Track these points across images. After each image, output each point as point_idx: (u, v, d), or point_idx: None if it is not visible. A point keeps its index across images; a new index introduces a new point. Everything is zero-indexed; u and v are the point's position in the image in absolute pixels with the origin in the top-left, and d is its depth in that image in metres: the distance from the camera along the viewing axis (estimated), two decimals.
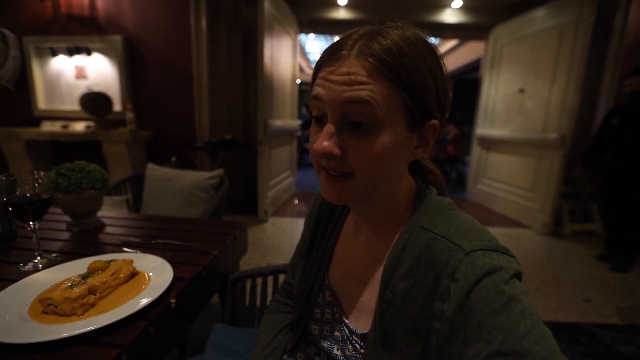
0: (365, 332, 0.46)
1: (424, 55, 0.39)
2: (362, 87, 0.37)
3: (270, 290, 0.94)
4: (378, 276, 0.46)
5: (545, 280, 2.16)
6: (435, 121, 0.42)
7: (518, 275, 0.36)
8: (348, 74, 0.37)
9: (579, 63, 2.70)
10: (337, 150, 0.39)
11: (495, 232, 3.06)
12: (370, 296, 0.47)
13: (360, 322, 0.48)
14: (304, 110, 6.75)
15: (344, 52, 0.39)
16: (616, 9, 2.91)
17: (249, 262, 2.23)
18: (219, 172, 1.62)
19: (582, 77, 2.72)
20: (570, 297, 1.97)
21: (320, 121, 0.42)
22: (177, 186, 1.54)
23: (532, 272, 2.27)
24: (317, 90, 0.40)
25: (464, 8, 3.66)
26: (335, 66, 0.39)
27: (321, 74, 0.40)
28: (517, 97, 3.40)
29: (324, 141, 0.39)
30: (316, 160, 0.42)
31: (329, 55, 0.40)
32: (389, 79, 0.37)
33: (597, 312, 1.82)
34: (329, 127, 0.40)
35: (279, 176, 3.59)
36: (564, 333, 1.62)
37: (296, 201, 3.89)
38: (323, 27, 4.10)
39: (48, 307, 0.53)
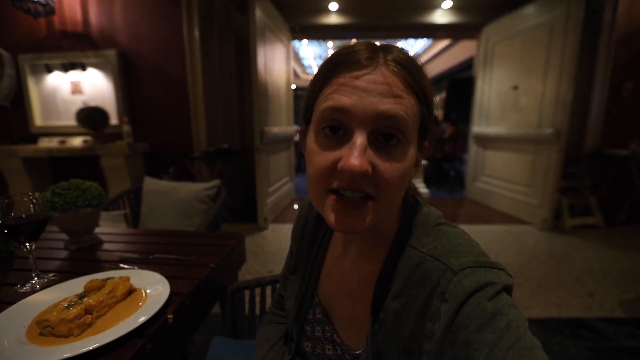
0: (358, 352, 0.46)
1: (428, 78, 0.40)
2: (398, 100, 0.35)
3: (269, 299, 0.95)
4: (369, 293, 0.45)
5: (547, 276, 2.16)
6: (427, 142, 0.43)
7: (507, 289, 0.35)
8: (383, 83, 0.34)
9: (571, 58, 2.71)
10: (370, 169, 0.34)
11: (496, 229, 3.06)
12: (361, 313, 0.46)
13: (352, 340, 0.48)
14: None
15: (363, 59, 0.36)
16: (605, 3, 2.93)
17: (250, 270, 2.23)
18: (215, 182, 1.62)
19: (574, 71, 2.74)
20: (572, 291, 1.96)
21: (336, 132, 0.36)
22: (175, 198, 1.55)
23: (534, 268, 2.26)
24: (339, 99, 0.35)
25: (454, 8, 3.69)
26: (361, 72, 0.35)
27: (340, 80, 0.36)
28: (511, 94, 3.42)
29: (358, 158, 0.33)
30: (323, 180, 0.37)
31: (345, 61, 0.36)
32: (416, 93, 0.37)
33: (600, 305, 1.82)
34: (361, 140, 0.34)
35: (278, 183, 3.60)
36: (567, 328, 1.61)
37: (296, 206, 3.89)
38: (315, 32, 4.13)
39: (45, 329, 0.53)
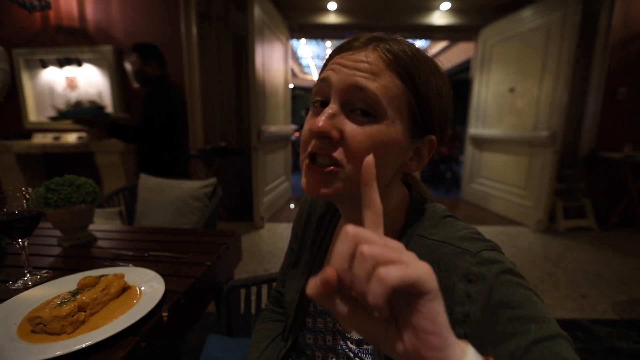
0: (361, 337, 0.46)
1: (433, 70, 0.41)
2: (374, 77, 0.37)
3: (265, 298, 0.94)
4: None
5: (542, 277, 2.17)
6: (433, 137, 0.42)
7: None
8: (363, 61, 0.38)
9: (567, 61, 2.74)
10: (334, 132, 0.37)
11: (491, 230, 3.08)
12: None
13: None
14: (303, 113, 6.76)
15: (358, 43, 0.40)
16: (601, 7, 2.96)
17: (246, 269, 2.22)
18: (212, 180, 1.61)
19: (570, 74, 2.77)
20: (566, 293, 1.98)
21: (324, 105, 0.41)
22: (171, 196, 1.53)
23: (528, 270, 2.28)
24: (326, 73, 0.40)
25: (453, 10, 3.70)
26: (349, 53, 0.39)
27: (333, 60, 0.41)
28: (508, 96, 3.44)
29: (322, 120, 0.37)
30: (306, 145, 0.40)
31: (342, 46, 0.41)
32: (401, 76, 0.38)
33: (593, 307, 1.83)
34: (331, 107, 0.39)
35: (275, 182, 3.59)
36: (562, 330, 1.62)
37: (292, 205, 3.88)
38: (314, 31, 4.13)
39: (37, 326, 0.52)
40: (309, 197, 0.60)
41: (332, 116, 0.38)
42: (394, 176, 0.44)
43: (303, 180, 0.41)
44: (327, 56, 0.44)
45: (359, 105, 0.38)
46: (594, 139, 3.17)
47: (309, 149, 0.40)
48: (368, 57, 0.38)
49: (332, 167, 0.39)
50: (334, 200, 0.44)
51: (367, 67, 0.37)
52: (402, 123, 0.39)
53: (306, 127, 0.41)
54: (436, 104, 0.41)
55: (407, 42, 0.41)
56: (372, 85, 0.37)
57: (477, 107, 3.97)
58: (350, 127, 0.38)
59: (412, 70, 0.38)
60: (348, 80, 0.38)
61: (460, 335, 0.35)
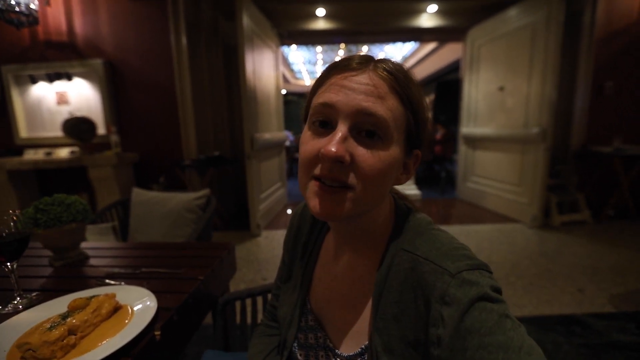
0: (352, 354, 0.46)
1: (418, 86, 0.42)
2: (381, 101, 0.38)
3: (260, 310, 0.94)
4: (361, 298, 0.47)
5: (539, 274, 2.18)
6: (419, 152, 0.45)
7: (499, 291, 0.36)
8: (369, 84, 0.38)
9: (553, 58, 2.78)
10: (347, 157, 0.37)
11: (487, 228, 3.10)
12: (354, 319, 0.47)
13: (345, 345, 0.48)
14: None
15: (355, 64, 0.40)
16: (584, 5, 3.01)
17: (243, 278, 2.21)
18: (205, 192, 1.61)
19: (557, 71, 2.81)
20: (563, 288, 1.99)
21: (325, 126, 0.40)
22: (164, 209, 1.53)
23: (525, 266, 2.29)
24: (329, 96, 0.39)
25: (440, 12, 3.75)
26: (351, 73, 0.39)
27: (332, 80, 0.40)
28: (498, 95, 3.48)
29: (335, 144, 0.37)
30: (310, 167, 0.40)
31: (338, 65, 0.41)
32: (401, 98, 0.40)
33: (590, 301, 1.84)
34: (342, 130, 0.38)
35: (270, 189, 3.58)
36: (560, 325, 1.63)
37: (289, 211, 3.88)
38: (304, 38, 4.15)
39: (26, 352, 0.51)
40: (300, 209, 0.61)
41: (344, 140, 0.38)
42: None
43: (314, 202, 0.40)
44: (322, 74, 0.43)
45: (368, 127, 0.38)
46: (584, 134, 3.21)
47: (317, 172, 0.39)
48: (373, 80, 0.38)
49: (343, 189, 0.39)
50: (344, 220, 0.42)
51: (374, 91, 0.38)
52: (401, 141, 0.41)
53: (310, 148, 0.40)
54: (425, 121, 0.43)
55: (397, 62, 0.42)
56: (380, 109, 0.38)
57: (468, 106, 4.01)
58: (361, 152, 0.38)
59: (408, 90, 0.40)
60: (356, 104, 0.38)
61: (433, 356, 0.36)
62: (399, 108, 0.40)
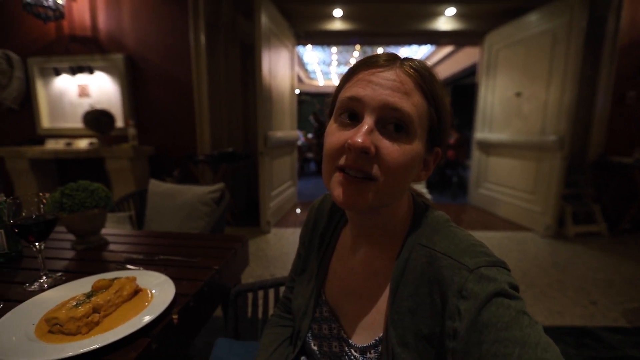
0: (365, 345, 0.47)
1: (442, 86, 0.43)
2: (406, 97, 0.39)
3: (272, 302, 0.95)
4: (376, 291, 0.47)
5: (550, 284, 2.14)
6: (439, 149, 0.46)
7: (516, 289, 0.37)
8: (396, 80, 0.39)
9: (574, 65, 2.72)
10: (373, 148, 0.38)
11: (498, 236, 3.05)
12: (369, 311, 0.48)
13: (359, 337, 0.48)
14: (311, 118, 6.80)
15: (383, 61, 0.41)
16: (608, 12, 2.94)
17: (252, 273, 2.24)
18: (220, 185, 1.64)
19: (577, 79, 2.75)
20: (575, 300, 1.95)
21: (352, 119, 0.42)
22: (179, 201, 1.56)
23: (537, 276, 2.25)
24: (356, 90, 0.40)
25: (458, 15, 3.71)
26: (378, 70, 0.40)
27: (359, 76, 0.41)
28: (514, 101, 3.42)
29: (361, 136, 0.38)
30: (335, 158, 0.41)
31: (365, 63, 0.42)
32: (425, 95, 0.41)
33: (603, 314, 1.80)
34: (367, 123, 0.39)
35: (281, 187, 3.61)
36: (571, 337, 1.60)
37: (298, 210, 3.90)
38: (320, 38, 4.17)
39: (54, 326, 0.54)
40: (317, 204, 0.62)
41: (370, 132, 0.39)
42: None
43: (338, 192, 0.41)
44: (349, 70, 0.44)
45: (392, 121, 0.40)
46: (602, 144, 3.13)
47: (341, 162, 0.40)
48: (400, 77, 0.40)
49: (366, 180, 0.40)
50: (366, 211, 0.44)
51: (400, 87, 0.39)
52: (423, 137, 0.42)
53: (336, 139, 0.41)
54: (447, 120, 0.44)
55: (421, 61, 0.43)
56: (406, 105, 0.39)
57: (484, 111, 3.96)
58: (385, 144, 0.39)
59: (432, 88, 0.41)
60: (384, 99, 0.39)
61: (448, 349, 0.36)
62: (423, 105, 0.41)
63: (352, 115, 0.42)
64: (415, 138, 0.41)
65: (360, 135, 0.38)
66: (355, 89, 0.41)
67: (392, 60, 0.41)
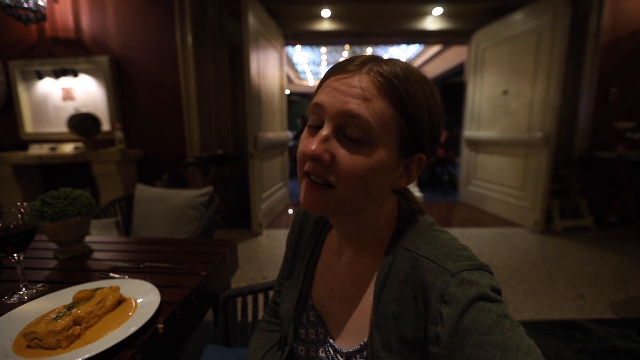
0: (351, 350, 0.46)
1: (424, 91, 0.41)
2: (366, 104, 0.38)
3: (262, 306, 0.94)
4: (361, 295, 0.47)
5: (540, 278, 2.18)
6: (423, 155, 0.44)
7: (499, 292, 0.37)
8: (356, 87, 0.39)
9: (558, 63, 2.77)
10: (326, 156, 0.39)
11: (488, 232, 3.09)
12: (355, 316, 0.47)
13: (345, 341, 0.48)
14: (298, 121, 6.78)
15: (352, 66, 0.40)
16: (590, 10, 3.01)
17: (244, 276, 2.22)
18: (208, 189, 1.62)
19: (561, 76, 2.80)
20: (564, 293, 1.98)
21: (320, 126, 0.42)
22: (167, 206, 1.54)
23: (526, 271, 2.29)
24: (320, 97, 0.41)
25: (445, 15, 3.75)
26: (343, 76, 0.40)
27: (327, 82, 0.42)
28: (502, 99, 3.47)
29: (315, 143, 0.39)
30: (301, 164, 0.42)
31: (336, 68, 0.42)
32: (392, 102, 0.39)
33: (591, 307, 1.84)
34: (324, 131, 0.40)
35: (272, 188, 3.59)
36: (560, 330, 1.63)
37: (290, 211, 3.89)
38: (308, 38, 4.16)
39: (32, 341, 0.52)
40: (303, 208, 0.61)
41: (325, 140, 0.39)
42: (386, 192, 0.45)
43: (302, 195, 0.43)
44: (322, 75, 0.45)
45: (351, 132, 0.39)
46: (587, 139, 3.20)
47: (305, 168, 0.41)
48: (361, 83, 0.39)
49: (326, 186, 0.40)
50: (327, 215, 0.46)
51: (360, 93, 0.38)
52: (393, 145, 0.40)
53: (301, 146, 0.42)
54: (426, 124, 0.42)
55: (401, 63, 0.41)
56: (364, 111, 0.38)
57: (472, 109, 4.00)
58: (341, 153, 0.39)
59: (403, 94, 0.39)
60: (341, 106, 0.39)
61: (432, 354, 0.36)
62: (387, 111, 0.39)
63: (317, 126, 0.42)
64: (378, 146, 0.39)
65: (314, 142, 0.39)
66: (320, 96, 0.41)
67: (362, 65, 0.40)
